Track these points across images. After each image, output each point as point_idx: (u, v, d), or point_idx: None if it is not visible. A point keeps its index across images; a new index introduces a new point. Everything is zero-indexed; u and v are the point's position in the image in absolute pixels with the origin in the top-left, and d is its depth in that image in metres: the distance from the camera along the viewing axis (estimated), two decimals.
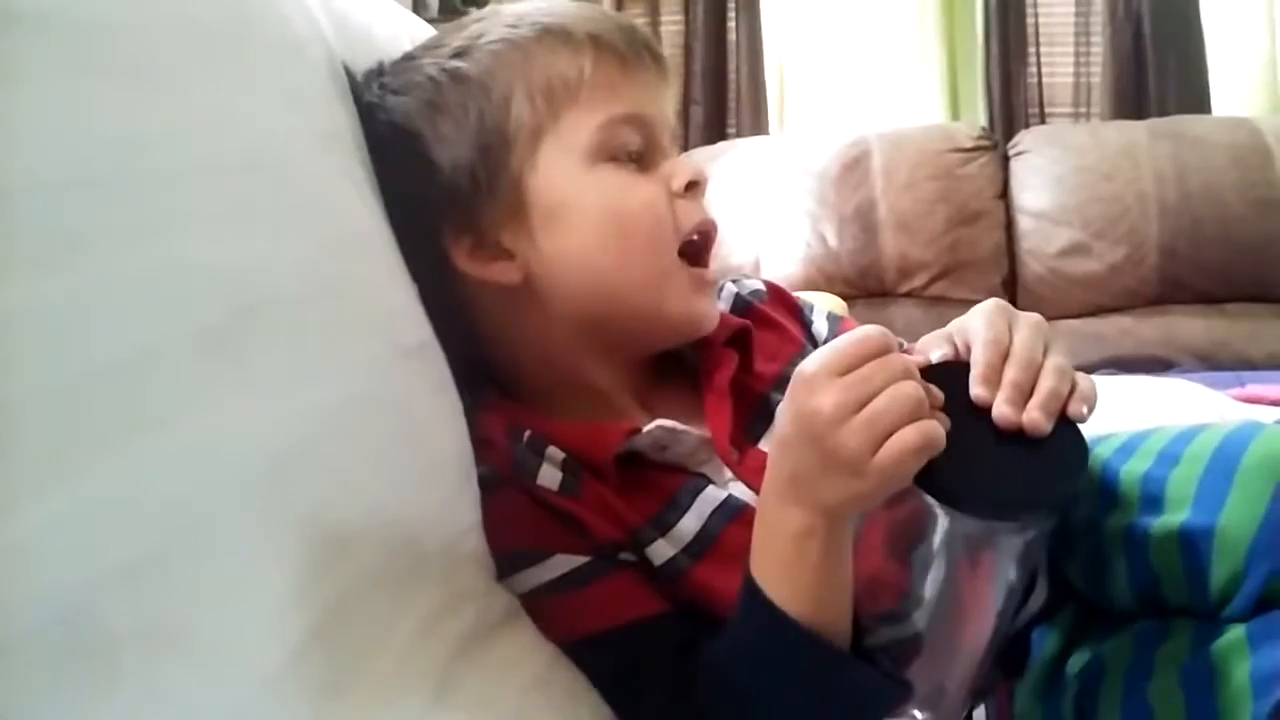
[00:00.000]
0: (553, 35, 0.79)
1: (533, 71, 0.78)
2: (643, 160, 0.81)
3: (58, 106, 0.48)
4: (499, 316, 0.82)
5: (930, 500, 0.62)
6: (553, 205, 0.78)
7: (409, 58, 0.83)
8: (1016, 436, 0.61)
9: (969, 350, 0.65)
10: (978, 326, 0.65)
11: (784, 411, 0.63)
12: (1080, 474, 0.62)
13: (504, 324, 0.83)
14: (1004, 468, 0.61)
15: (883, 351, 0.60)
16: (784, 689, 0.66)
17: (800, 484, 0.62)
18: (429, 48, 0.84)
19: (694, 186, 0.81)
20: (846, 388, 0.59)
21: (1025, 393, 0.62)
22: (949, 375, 0.63)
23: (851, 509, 0.62)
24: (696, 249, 0.82)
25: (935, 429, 0.59)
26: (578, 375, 0.82)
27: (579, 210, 0.78)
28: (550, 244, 0.78)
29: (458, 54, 0.80)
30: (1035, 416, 0.61)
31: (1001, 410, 0.61)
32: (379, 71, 0.83)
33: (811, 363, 0.61)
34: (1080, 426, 0.63)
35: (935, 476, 0.59)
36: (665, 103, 0.84)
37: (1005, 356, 0.63)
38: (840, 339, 0.62)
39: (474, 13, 0.86)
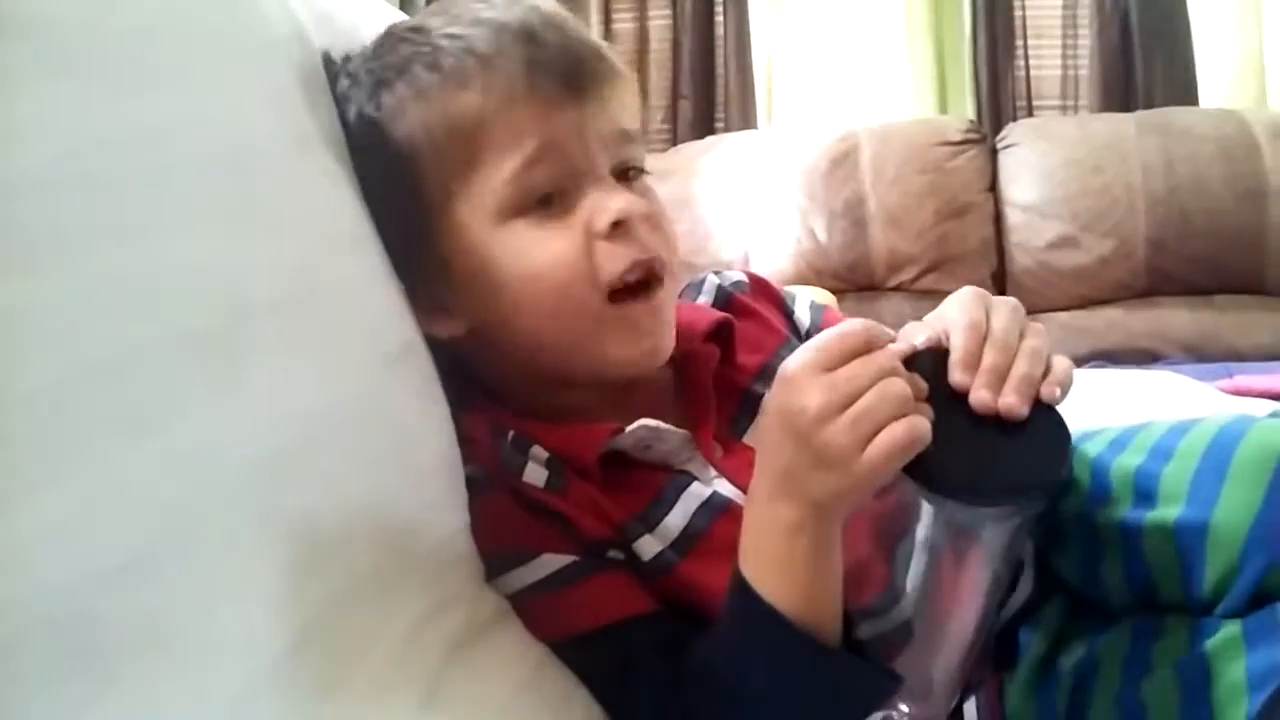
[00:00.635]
0: (452, 82, 0.74)
1: (434, 124, 0.73)
2: (566, 198, 0.74)
3: (45, 107, 0.48)
4: (463, 350, 0.80)
5: (915, 491, 0.62)
6: (471, 269, 0.75)
7: (350, 75, 0.78)
8: (997, 422, 0.61)
9: (949, 338, 0.65)
10: (955, 313, 0.65)
11: (769, 410, 0.62)
12: (1064, 459, 0.62)
13: (470, 356, 0.81)
14: (988, 454, 0.61)
15: (867, 347, 0.60)
16: (773, 684, 0.66)
17: (789, 480, 0.62)
18: (366, 61, 0.78)
19: (620, 225, 0.74)
20: (832, 386, 0.59)
21: (1002, 376, 0.62)
22: (930, 362, 0.63)
23: (841, 505, 0.62)
24: (635, 288, 0.76)
25: (922, 424, 0.59)
26: (551, 397, 0.80)
27: (494, 274, 0.74)
28: (479, 307, 0.76)
29: (375, 91, 0.75)
30: (1010, 401, 0.61)
31: (979, 395, 0.62)
32: (334, 78, 0.78)
33: (795, 360, 0.61)
34: (1064, 414, 0.63)
35: (920, 465, 0.59)
36: (593, 121, 0.75)
37: (983, 341, 0.64)
38: (823, 334, 0.62)
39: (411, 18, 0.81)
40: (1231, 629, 0.68)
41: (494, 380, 0.82)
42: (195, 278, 0.53)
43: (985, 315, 0.65)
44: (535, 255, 0.74)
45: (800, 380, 0.60)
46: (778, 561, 0.63)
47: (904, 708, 0.69)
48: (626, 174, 0.78)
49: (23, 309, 0.43)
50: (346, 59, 0.79)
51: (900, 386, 0.59)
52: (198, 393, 0.50)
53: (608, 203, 0.74)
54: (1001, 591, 0.79)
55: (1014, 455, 0.61)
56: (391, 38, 0.79)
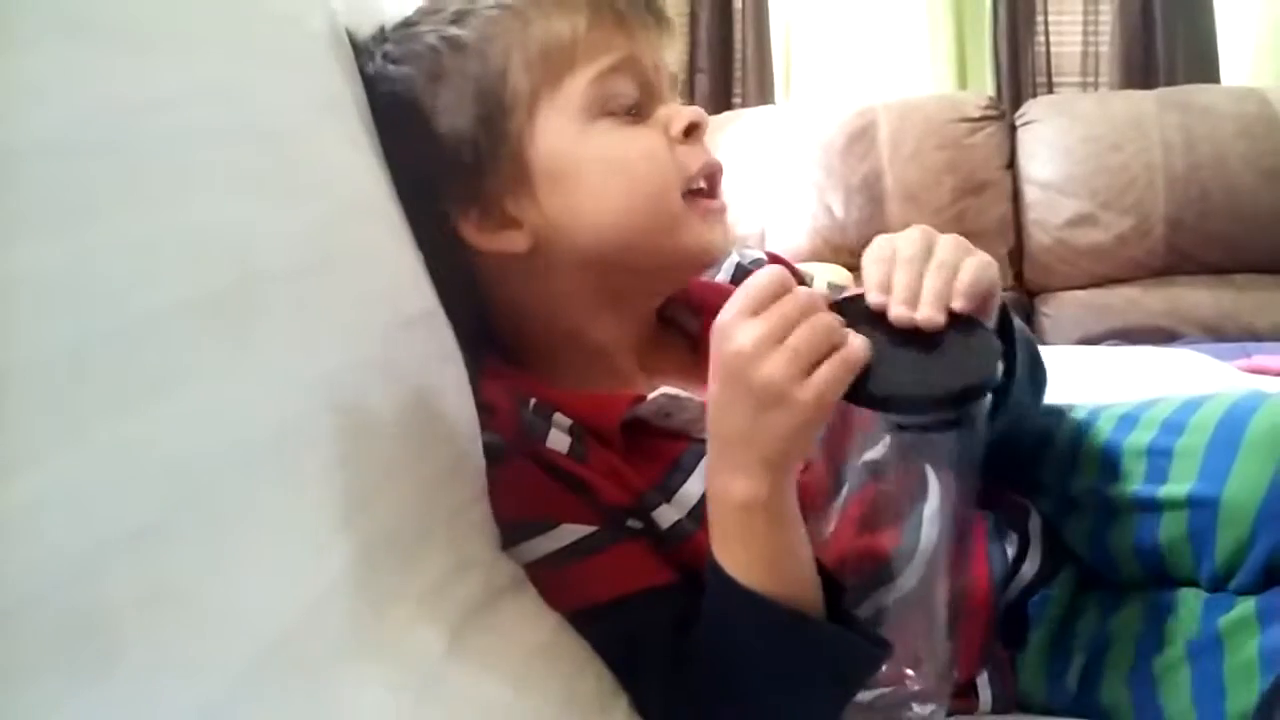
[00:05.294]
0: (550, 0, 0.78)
1: (528, 36, 0.78)
2: (640, 111, 0.80)
3: (57, 69, 0.47)
4: (504, 283, 0.82)
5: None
6: (554, 168, 0.78)
7: (409, 23, 0.82)
8: (920, 337, 0.64)
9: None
10: (866, 257, 0.68)
11: (711, 374, 0.63)
12: (993, 360, 0.64)
13: (508, 290, 0.82)
14: (918, 367, 0.63)
15: (786, 289, 0.62)
16: (757, 656, 0.66)
17: (737, 441, 0.62)
18: (429, 12, 0.83)
19: (694, 130, 0.80)
20: (762, 322, 0.60)
21: (916, 293, 0.65)
22: (851, 304, 0.65)
23: (792, 451, 0.62)
24: (703, 191, 0.81)
25: (857, 346, 0.60)
26: (581, 337, 0.82)
27: (580, 169, 0.78)
28: (555, 207, 0.78)
29: (456, 19, 0.79)
30: (926, 313, 0.63)
31: (897, 311, 0.64)
32: (381, 38, 0.82)
33: (724, 313, 0.62)
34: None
35: (856, 386, 0.61)
36: (665, 54, 0.83)
37: (893, 266, 0.66)
38: (745, 283, 0.63)
39: None
40: (1245, 607, 0.68)
41: (521, 325, 0.84)
42: (209, 243, 0.52)
43: (891, 246, 0.68)
44: (626, 149, 0.79)
45: (731, 326, 0.61)
46: (738, 536, 0.64)
47: (909, 672, 0.69)
48: None
49: (35, 274, 0.42)
50: (383, 30, 0.82)
51: (830, 319, 0.61)
52: (212, 357, 0.50)
53: (682, 110, 0.80)
54: (1006, 569, 0.79)
55: (942, 364, 0.63)
56: None
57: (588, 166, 0.78)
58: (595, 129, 0.78)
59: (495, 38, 0.78)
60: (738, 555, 0.64)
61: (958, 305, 0.64)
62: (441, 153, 0.78)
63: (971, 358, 0.63)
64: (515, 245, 0.79)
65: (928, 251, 0.67)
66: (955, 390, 0.62)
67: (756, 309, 0.61)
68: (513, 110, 0.78)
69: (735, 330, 0.61)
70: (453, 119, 0.78)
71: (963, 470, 0.69)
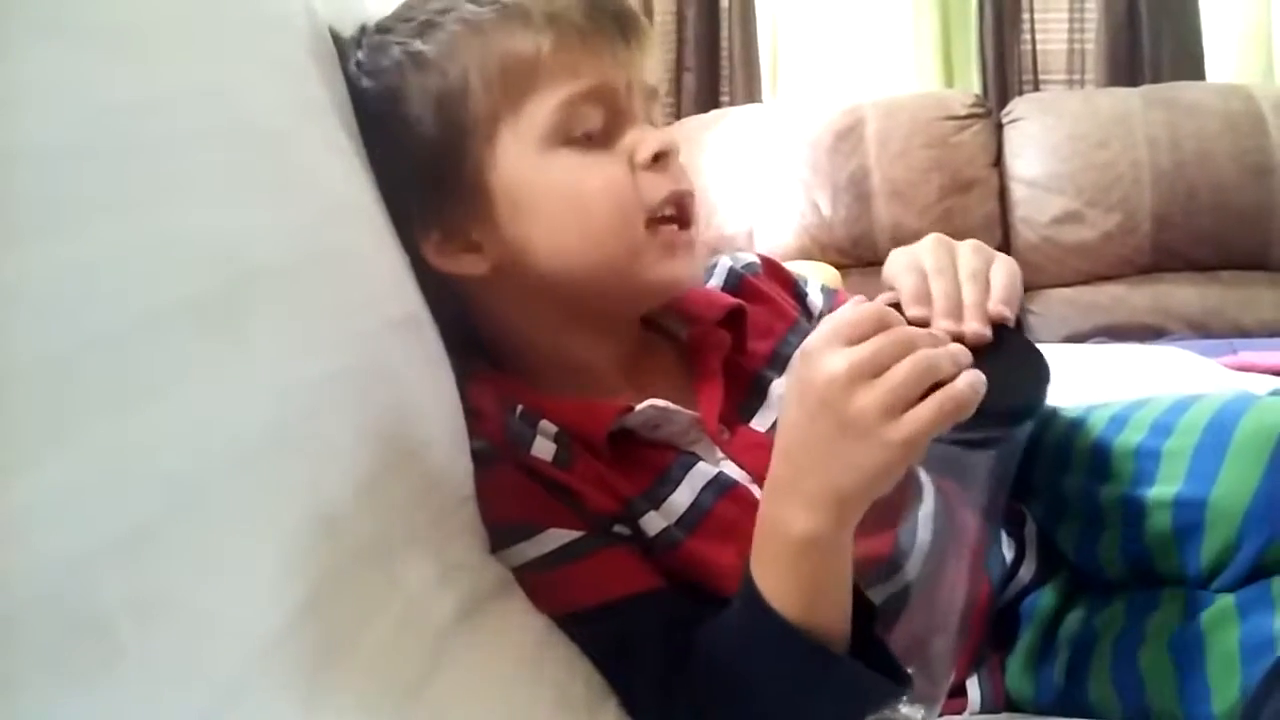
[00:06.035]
0: (510, 16, 0.76)
1: (489, 56, 0.76)
2: (608, 137, 0.78)
3: (52, 74, 0.47)
4: (478, 301, 0.82)
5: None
6: (512, 194, 0.76)
7: (383, 29, 0.81)
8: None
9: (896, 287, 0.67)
10: (893, 266, 0.68)
11: (790, 391, 0.62)
12: (1042, 377, 0.63)
13: (484, 308, 0.82)
14: None
15: (885, 322, 0.60)
16: (778, 685, 0.65)
17: (811, 471, 0.60)
18: (400, 19, 0.81)
19: (662, 157, 0.77)
20: (859, 351, 0.58)
21: (956, 304, 0.64)
22: None
23: (869, 490, 0.60)
24: (671, 219, 0.79)
25: (964, 389, 0.58)
26: (564, 353, 0.81)
27: (538, 197, 0.76)
28: (515, 234, 0.77)
29: (422, 31, 0.78)
30: (974, 328, 0.63)
31: (942, 325, 0.63)
32: (357, 42, 0.80)
33: (815, 338, 0.60)
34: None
35: None
36: (638, 70, 0.79)
37: (926, 277, 0.66)
38: (840, 311, 0.61)
39: None
40: (1225, 601, 0.68)
41: (503, 337, 0.83)
42: (195, 247, 0.52)
43: (919, 257, 0.67)
44: (585, 179, 0.76)
45: (823, 353, 0.59)
46: (785, 568, 0.62)
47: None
48: None
49: (23, 280, 0.42)
50: (359, 35, 0.81)
51: (931, 356, 0.58)
52: (199, 362, 0.50)
53: (649, 136, 0.78)
54: (1003, 571, 0.79)
55: (991, 380, 0.61)
56: None
57: (547, 196, 0.76)
58: (556, 156, 0.76)
59: (457, 54, 0.76)
60: (779, 583, 0.63)
61: (995, 315, 0.63)
62: (404, 171, 0.77)
63: (1018, 373, 0.62)
64: (475, 269, 0.78)
65: (953, 261, 0.66)
66: (1007, 408, 0.60)
67: (852, 340, 0.59)
68: (472, 131, 0.76)
69: (827, 357, 0.59)
70: (414, 137, 0.77)
71: (993, 486, 0.68)
